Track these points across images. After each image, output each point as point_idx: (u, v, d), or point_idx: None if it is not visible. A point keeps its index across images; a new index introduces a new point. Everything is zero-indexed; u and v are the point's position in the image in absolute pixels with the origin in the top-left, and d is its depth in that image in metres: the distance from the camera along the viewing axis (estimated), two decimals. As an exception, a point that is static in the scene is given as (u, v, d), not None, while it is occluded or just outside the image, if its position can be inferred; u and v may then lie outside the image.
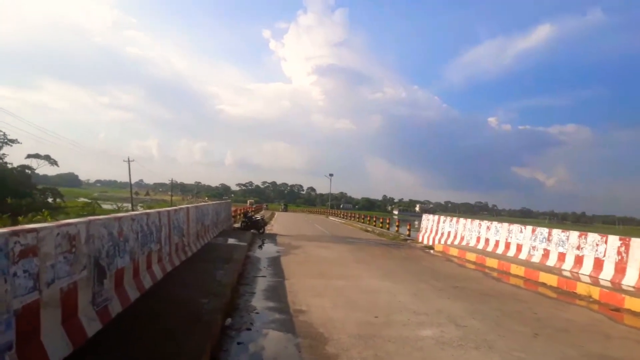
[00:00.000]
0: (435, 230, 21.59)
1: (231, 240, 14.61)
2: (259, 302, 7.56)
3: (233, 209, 35.91)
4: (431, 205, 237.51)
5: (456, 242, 19.08)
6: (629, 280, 10.09)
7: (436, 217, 22.22)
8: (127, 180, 76.61)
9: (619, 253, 10.60)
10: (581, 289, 9.94)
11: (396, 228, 29.58)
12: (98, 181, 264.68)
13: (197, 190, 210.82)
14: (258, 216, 23.02)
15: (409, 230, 26.71)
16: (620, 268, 10.46)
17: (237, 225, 23.29)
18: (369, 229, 31.02)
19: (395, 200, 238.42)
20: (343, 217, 51.62)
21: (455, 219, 20.29)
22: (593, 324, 7.29)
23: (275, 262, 12.02)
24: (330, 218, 52.40)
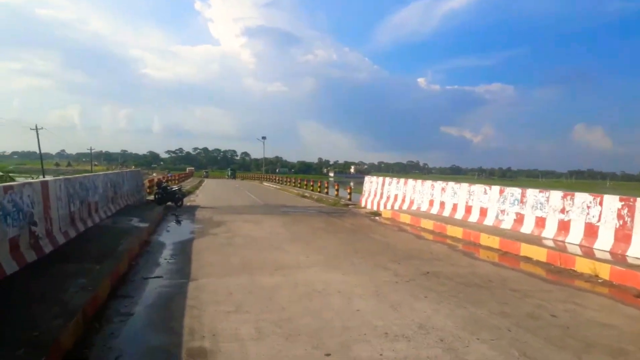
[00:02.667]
0: (380, 193, 19.22)
1: (132, 220, 11.31)
2: (132, 335, 4.56)
3: (159, 177, 31.86)
4: (365, 166, 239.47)
5: (405, 207, 16.79)
6: (636, 251, 7.98)
7: (380, 179, 19.82)
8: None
9: (619, 217, 8.45)
10: (583, 266, 7.72)
11: (335, 192, 27.11)
12: (15, 153, 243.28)
13: (124, 159, 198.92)
14: (175, 186, 19.56)
15: (350, 193, 24.30)
16: (623, 236, 8.34)
17: (151, 198, 19.76)
18: (306, 194, 28.33)
19: (331, 163, 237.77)
20: (278, 182, 48.70)
21: (402, 180, 17.96)
22: (649, 333, 4.94)
23: (184, 250, 8.95)
24: (265, 184, 49.31)
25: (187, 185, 34.79)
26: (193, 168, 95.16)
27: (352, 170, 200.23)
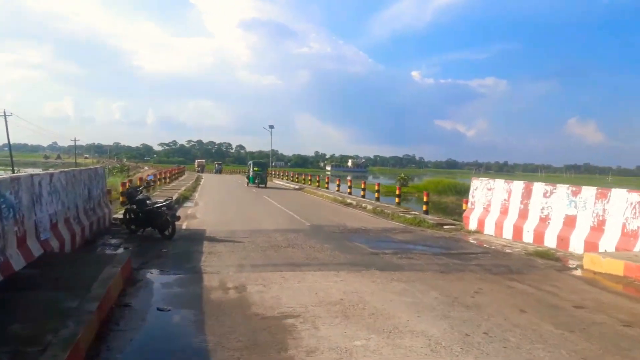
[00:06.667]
0: (517, 210, 10.97)
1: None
2: None
3: (140, 178, 23.53)
4: (362, 160, 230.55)
5: (608, 244, 8.60)
6: None
7: (517, 184, 11.44)
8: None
9: None
10: None
11: (396, 198, 18.76)
12: (5, 145, 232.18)
13: (116, 152, 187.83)
14: (161, 200, 11.04)
15: (350, 187, 16.03)
16: None
17: (119, 215, 11.37)
18: (348, 200, 19.95)
19: (327, 156, 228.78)
20: (289, 179, 40.37)
21: (588, 190, 9.57)
22: None
23: None
24: (276, 181, 40.61)
25: (180, 184, 26.31)
26: (204, 160, 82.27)
27: (349, 164, 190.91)
